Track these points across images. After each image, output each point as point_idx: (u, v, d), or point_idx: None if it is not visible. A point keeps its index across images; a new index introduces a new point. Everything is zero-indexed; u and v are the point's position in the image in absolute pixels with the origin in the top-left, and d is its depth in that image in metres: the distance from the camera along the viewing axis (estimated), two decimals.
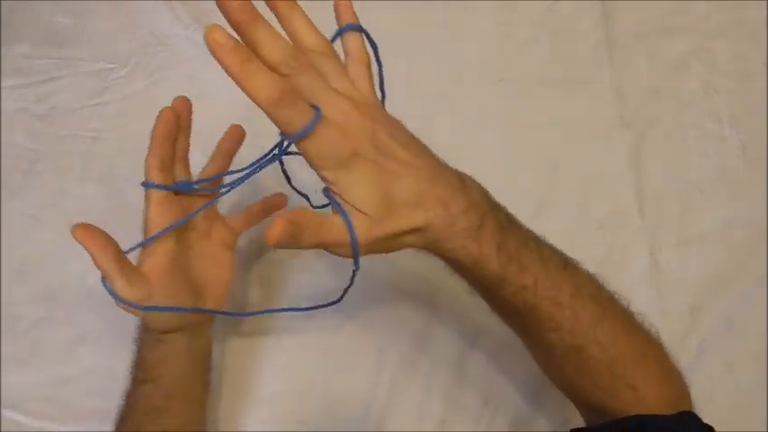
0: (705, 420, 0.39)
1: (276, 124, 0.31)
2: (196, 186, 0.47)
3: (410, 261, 0.57)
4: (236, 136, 0.51)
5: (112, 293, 0.41)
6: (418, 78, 0.66)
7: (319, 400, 0.54)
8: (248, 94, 0.30)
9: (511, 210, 0.39)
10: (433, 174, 0.36)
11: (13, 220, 0.60)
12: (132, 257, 0.42)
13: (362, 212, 0.34)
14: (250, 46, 0.31)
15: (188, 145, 0.47)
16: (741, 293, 0.59)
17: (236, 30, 0.31)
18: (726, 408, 0.54)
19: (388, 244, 0.36)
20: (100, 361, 0.55)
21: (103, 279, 0.41)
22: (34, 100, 0.64)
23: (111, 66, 0.66)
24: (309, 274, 0.58)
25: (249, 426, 0.54)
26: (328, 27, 0.37)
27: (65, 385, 0.55)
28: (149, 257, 0.43)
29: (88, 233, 0.40)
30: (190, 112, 0.47)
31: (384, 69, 0.40)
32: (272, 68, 0.31)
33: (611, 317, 0.41)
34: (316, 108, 0.32)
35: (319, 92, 0.33)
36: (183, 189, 0.45)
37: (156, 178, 0.44)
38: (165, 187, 0.44)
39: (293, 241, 0.32)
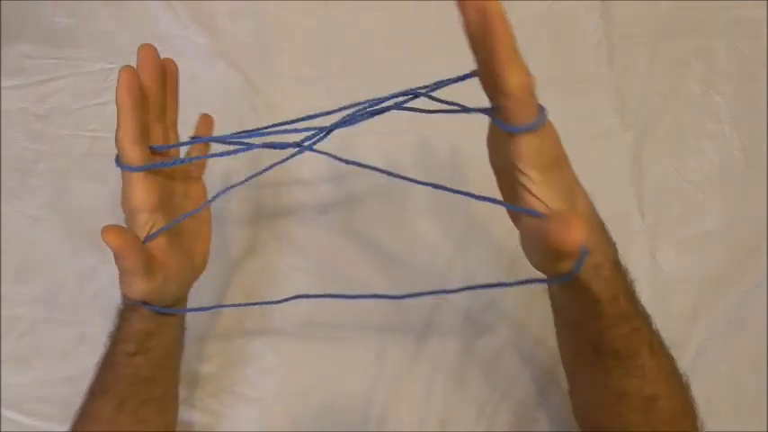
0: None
1: (512, 111, 0.32)
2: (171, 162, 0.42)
3: (411, 260, 0.57)
4: (208, 123, 0.50)
5: (132, 294, 0.40)
6: (417, 78, 0.66)
7: (319, 400, 0.54)
8: (505, 70, 0.30)
9: None
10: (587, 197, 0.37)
11: (13, 220, 0.60)
12: None
13: None
14: None
15: (177, 109, 0.45)
16: (741, 293, 0.58)
17: None
18: (726, 408, 0.54)
19: (557, 261, 0.34)
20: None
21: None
22: (34, 100, 0.64)
23: (111, 66, 0.65)
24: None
25: (240, 425, 0.54)
26: None
27: (65, 385, 0.55)
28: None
29: (115, 235, 0.37)
30: (175, 71, 0.45)
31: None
32: None
33: (677, 368, 0.40)
34: (540, 106, 0.33)
35: None
36: (164, 167, 0.41)
37: (133, 153, 0.39)
38: (141, 168, 0.39)
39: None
